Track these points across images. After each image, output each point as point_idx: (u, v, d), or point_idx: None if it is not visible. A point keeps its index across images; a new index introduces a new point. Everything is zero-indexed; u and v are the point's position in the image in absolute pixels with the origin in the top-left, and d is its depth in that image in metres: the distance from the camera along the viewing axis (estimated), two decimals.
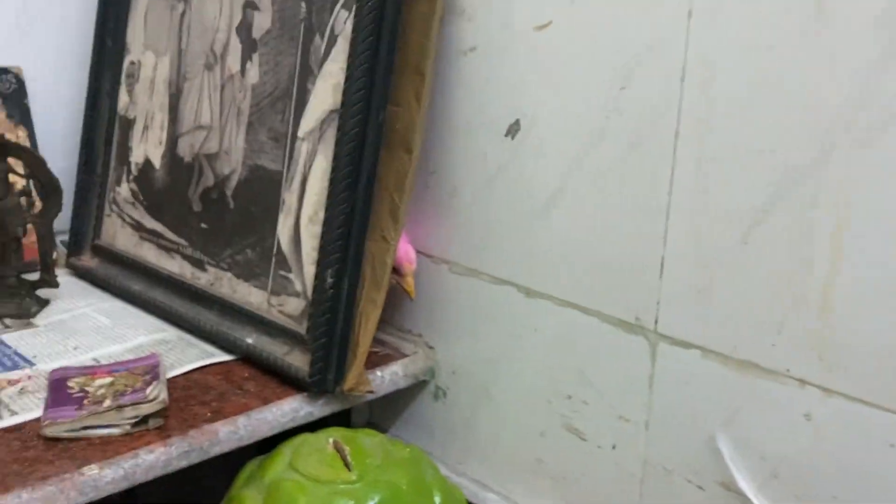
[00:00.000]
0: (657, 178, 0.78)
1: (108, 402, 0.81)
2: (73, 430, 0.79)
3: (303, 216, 0.92)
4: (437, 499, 0.85)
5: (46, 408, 0.82)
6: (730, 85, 0.72)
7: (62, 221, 1.08)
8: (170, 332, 1.01)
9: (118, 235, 1.14)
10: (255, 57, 0.98)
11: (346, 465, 0.84)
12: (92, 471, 0.75)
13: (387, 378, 0.98)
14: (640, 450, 0.83)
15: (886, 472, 0.68)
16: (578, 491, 0.89)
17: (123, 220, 1.14)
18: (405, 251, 0.96)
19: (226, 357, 0.96)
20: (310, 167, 0.92)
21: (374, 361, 0.97)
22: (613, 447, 0.86)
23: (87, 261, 1.17)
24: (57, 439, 0.79)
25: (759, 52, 0.70)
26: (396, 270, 0.95)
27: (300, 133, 0.93)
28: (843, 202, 0.67)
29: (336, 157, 0.88)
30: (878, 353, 0.67)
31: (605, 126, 0.81)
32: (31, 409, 0.84)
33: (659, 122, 0.77)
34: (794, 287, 0.70)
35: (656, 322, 0.80)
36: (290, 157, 0.94)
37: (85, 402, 0.82)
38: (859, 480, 0.69)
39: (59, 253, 1.17)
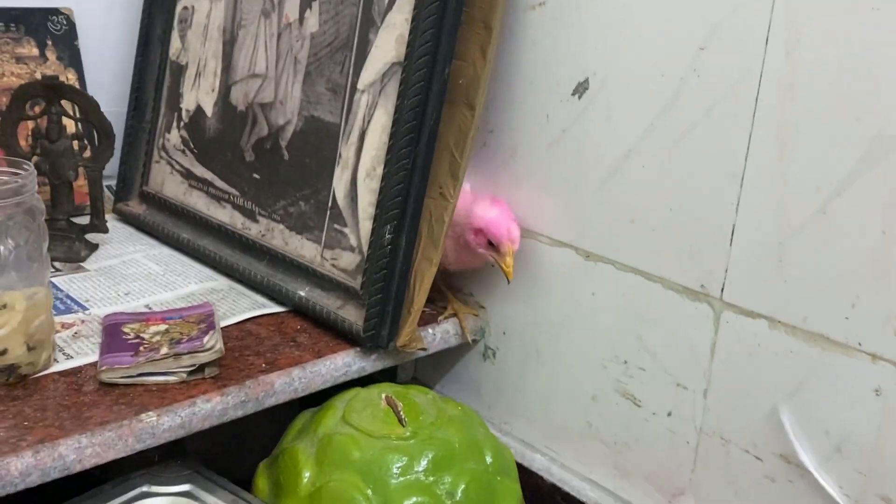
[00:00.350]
0: (733, 144, 0.76)
1: (164, 350, 0.80)
2: (129, 377, 0.79)
3: (360, 170, 0.91)
4: (488, 458, 0.85)
5: (102, 353, 0.81)
6: (817, 50, 0.70)
7: (110, 167, 1.07)
8: (220, 282, 1.01)
9: (167, 182, 1.13)
10: (315, 5, 0.96)
11: (400, 420, 0.84)
12: (150, 417, 0.75)
13: (438, 336, 0.97)
14: (696, 418, 0.83)
15: None
16: (630, 456, 0.89)
17: (172, 167, 1.13)
18: (508, 228, 0.89)
19: (278, 308, 0.95)
20: (369, 121, 0.90)
21: (426, 319, 0.97)
22: (669, 414, 0.85)
23: (135, 207, 1.16)
24: (113, 385, 0.79)
25: (850, 16, 0.68)
26: (496, 248, 0.90)
27: (360, 85, 0.91)
28: None
29: (398, 112, 0.86)
30: None
31: (680, 88, 0.79)
32: (86, 353, 0.83)
33: (739, 87, 0.75)
34: (873, 260, 0.69)
35: (722, 290, 0.79)
36: (349, 110, 0.92)
37: (141, 348, 0.81)
38: None
39: (107, 198, 1.16)
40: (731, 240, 0.77)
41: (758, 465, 0.79)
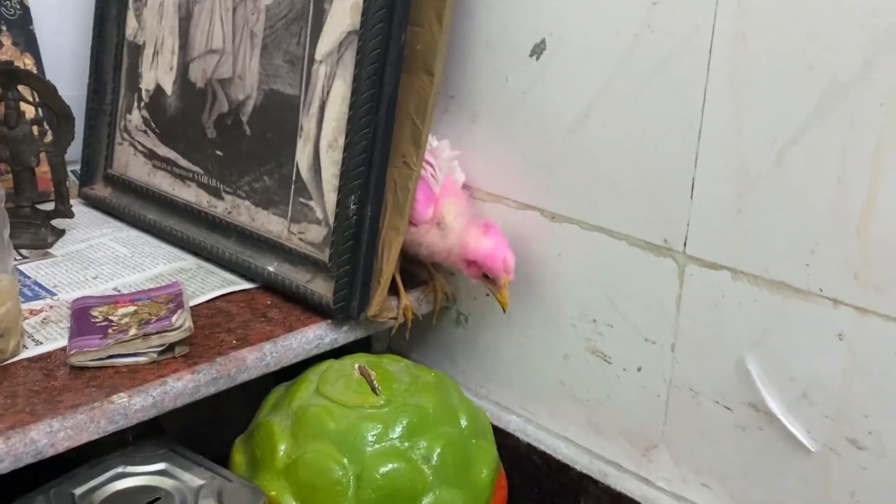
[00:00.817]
0: (689, 97, 0.76)
1: (133, 331, 0.80)
2: (99, 359, 0.79)
3: (322, 142, 0.91)
4: (462, 421, 0.86)
5: (71, 337, 0.81)
6: None
7: (72, 151, 1.06)
8: (189, 261, 1.00)
9: (131, 164, 1.13)
10: None
11: (373, 389, 0.84)
12: (121, 399, 0.75)
13: (409, 305, 0.97)
14: (665, 372, 0.83)
15: None
16: (603, 413, 0.89)
17: (135, 148, 1.12)
18: (504, 258, 0.86)
19: (247, 285, 0.95)
20: (328, 92, 0.90)
21: (396, 288, 0.97)
22: (639, 369, 0.86)
23: (100, 190, 1.15)
24: (83, 368, 0.79)
25: None
26: (492, 281, 0.87)
27: (317, 56, 0.91)
28: (885, 120, 0.66)
29: (356, 81, 0.86)
30: None
31: (634, 44, 0.79)
32: (55, 338, 0.83)
33: (692, 39, 0.75)
34: (831, 207, 0.70)
35: (685, 244, 0.79)
36: (308, 82, 0.92)
37: (110, 330, 0.81)
38: (891, 398, 0.69)
39: (71, 183, 1.15)
40: (692, 194, 0.78)
41: (727, 414, 0.80)
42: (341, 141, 0.88)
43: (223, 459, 0.85)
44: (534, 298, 0.93)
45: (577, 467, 0.90)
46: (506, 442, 0.95)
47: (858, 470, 0.72)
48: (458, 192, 0.93)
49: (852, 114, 0.67)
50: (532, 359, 0.95)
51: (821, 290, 0.72)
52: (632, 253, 0.84)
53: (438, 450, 0.81)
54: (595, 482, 0.89)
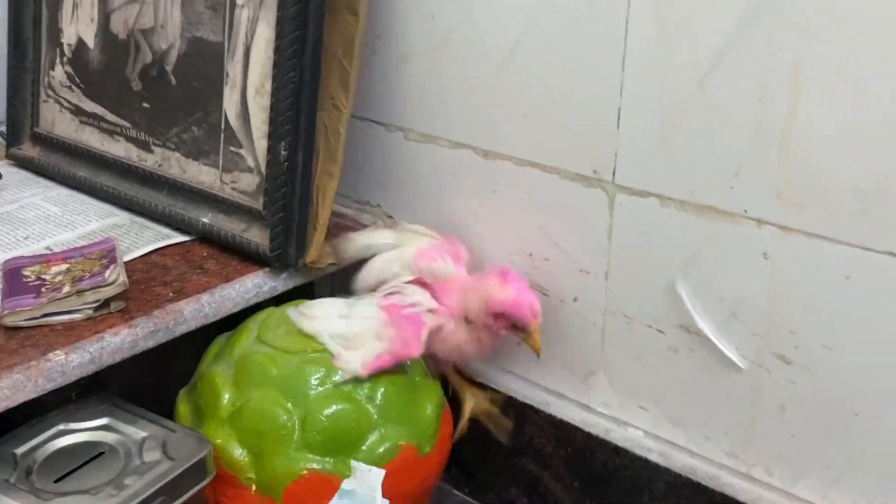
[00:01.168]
0: (612, 27, 0.76)
1: (66, 289, 0.79)
2: (33, 319, 0.78)
3: (249, 89, 0.89)
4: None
5: (3, 298, 0.80)
6: None
7: None
8: (122, 217, 0.99)
9: (57, 122, 1.10)
10: None
11: None
12: (58, 356, 0.75)
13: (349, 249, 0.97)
14: (600, 300, 0.85)
15: (842, 303, 0.70)
16: (543, 344, 0.91)
17: (61, 105, 1.09)
18: (529, 303, 0.82)
19: (182, 238, 0.94)
20: (252, 36, 0.89)
21: (334, 234, 0.97)
22: (575, 300, 0.87)
23: (28, 150, 1.13)
24: (17, 328, 0.78)
25: None
26: (521, 329, 0.82)
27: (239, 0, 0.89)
28: (801, 40, 0.67)
29: (279, 24, 0.85)
30: (835, 189, 0.68)
31: None
32: None
33: None
34: (753, 129, 0.71)
35: (614, 174, 0.80)
36: (231, 27, 0.90)
37: (43, 289, 0.80)
38: (816, 314, 0.72)
39: None
40: (618, 124, 0.79)
41: (661, 337, 0.82)
42: (268, 86, 0.87)
43: (171, 413, 0.85)
44: (470, 236, 0.93)
45: (519, 397, 0.92)
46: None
47: (787, 384, 0.75)
48: (455, 282, 0.87)
49: (770, 34, 0.68)
50: None
51: (745, 210, 0.73)
52: (564, 186, 0.84)
53: (382, 390, 0.82)
54: (537, 411, 0.91)
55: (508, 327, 0.83)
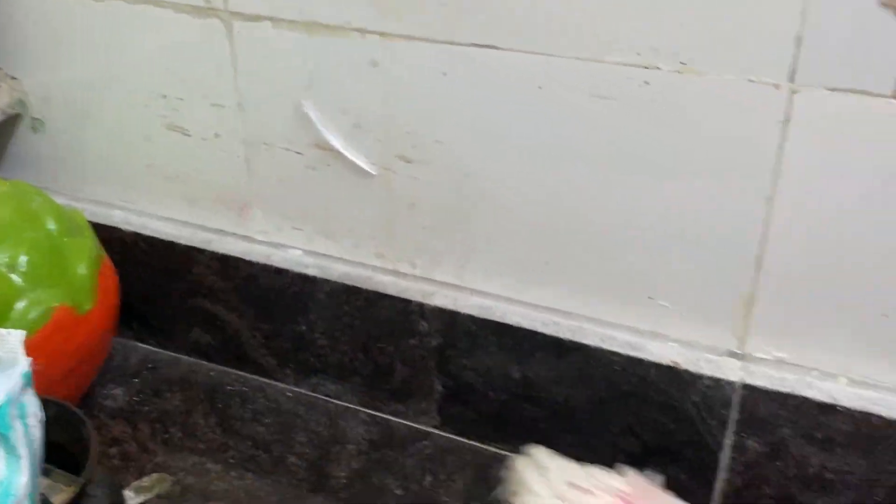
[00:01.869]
0: None
1: None
2: None
3: None
4: (50, 224, 0.84)
5: None
6: None
7: None
8: None
9: None
10: None
11: None
12: None
13: None
14: (238, 132, 0.86)
15: (442, 97, 0.75)
16: (194, 185, 0.92)
17: None
18: None
19: None
20: None
21: None
22: (216, 136, 0.88)
23: None
24: None
25: None
26: None
27: None
28: None
29: None
30: None
31: None
32: None
33: None
34: None
35: (227, 0, 0.80)
36: None
37: None
38: (424, 112, 0.77)
39: None
40: None
41: (300, 158, 0.85)
42: None
43: None
44: (103, 90, 0.90)
45: (182, 241, 0.93)
46: (113, 235, 0.95)
47: (412, 181, 0.81)
48: None
49: None
50: (117, 149, 0.94)
51: (349, 22, 0.76)
52: (180, 20, 0.83)
53: (24, 256, 0.80)
54: (201, 251, 0.92)
55: None
